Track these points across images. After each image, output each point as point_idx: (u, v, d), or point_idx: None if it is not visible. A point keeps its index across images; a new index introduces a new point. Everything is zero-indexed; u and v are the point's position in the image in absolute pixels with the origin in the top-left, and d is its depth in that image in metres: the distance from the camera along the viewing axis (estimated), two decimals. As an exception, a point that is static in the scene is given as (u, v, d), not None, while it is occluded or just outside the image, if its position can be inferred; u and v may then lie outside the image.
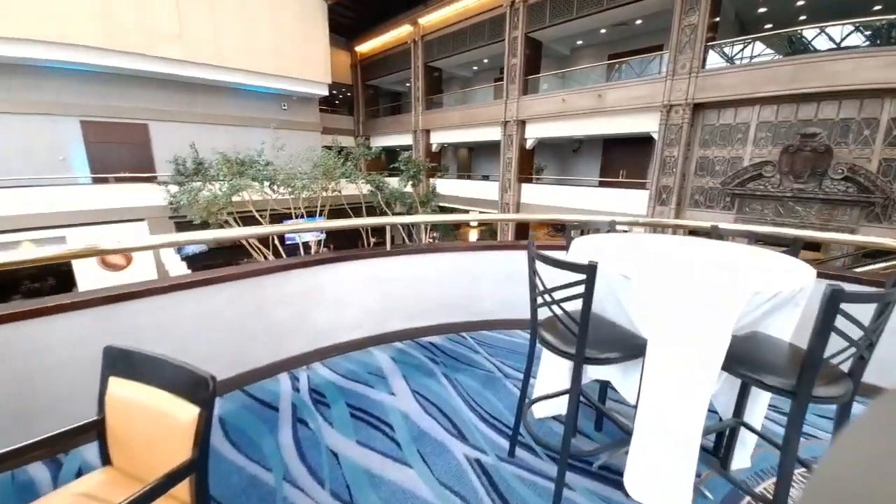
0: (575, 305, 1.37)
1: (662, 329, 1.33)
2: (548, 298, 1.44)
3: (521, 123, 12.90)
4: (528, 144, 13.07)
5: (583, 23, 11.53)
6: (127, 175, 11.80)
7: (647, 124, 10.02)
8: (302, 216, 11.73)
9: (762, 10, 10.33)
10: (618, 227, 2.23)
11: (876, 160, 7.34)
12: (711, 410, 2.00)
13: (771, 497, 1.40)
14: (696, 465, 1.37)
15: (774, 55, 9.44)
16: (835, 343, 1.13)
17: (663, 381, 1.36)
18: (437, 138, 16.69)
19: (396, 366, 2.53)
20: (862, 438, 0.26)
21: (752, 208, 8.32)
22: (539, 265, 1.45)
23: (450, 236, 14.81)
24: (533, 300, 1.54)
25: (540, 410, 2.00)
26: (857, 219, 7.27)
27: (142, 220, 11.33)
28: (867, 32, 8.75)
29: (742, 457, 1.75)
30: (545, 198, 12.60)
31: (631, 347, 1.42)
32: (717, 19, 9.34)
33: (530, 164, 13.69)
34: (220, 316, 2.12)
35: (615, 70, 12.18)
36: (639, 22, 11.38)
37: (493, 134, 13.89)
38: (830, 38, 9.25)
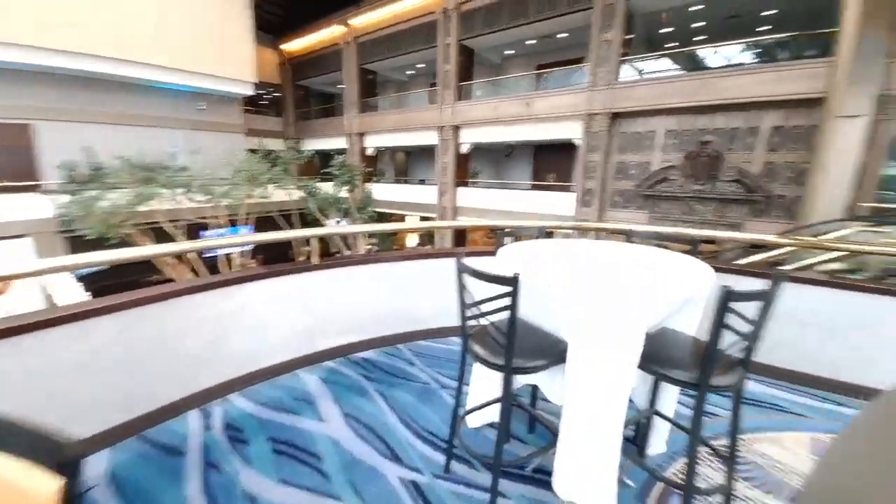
0: (503, 314, 1.38)
1: (583, 333, 1.38)
2: (476, 311, 1.43)
3: (456, 128, 13.14)
4: (464, 149, 13.34)
5: (512, 33, 12.05)
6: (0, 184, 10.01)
7: (572, 131, 10.72)
8: (223, 226, 10.80)
9: (667, 29, 11.56)
10: (553, 231, 2.31)
11: (758, 164, 8.54)
12: (629, 401, 2.15)
13: (684, 477, 1.52)
14: (619, 457, 1.44)
15: (679, 70, 10.62)
16: (729, 335, 1.24)
17: (585, 382, 1.41)
18: (373, 142, 16.42)
19: (326, 388, 2.38)
20: (857, 441, 0.25)
21: (662, 208, 9.26)
22: (468, 277, 1.44)
23: (387, 242, 14.60)
24: (462, 312, 1.52)
25: (474, 420, 1.99)
26: (744, 215, 8.41)
27: (24, 236, 9.66)
28: (756, 51, 10.18)
29: (658, 443, 1.88)
30: (481, 201, 12.93)
31: (556, 353, 1.46)
32: (631, 36, 10.29)
33: (466, 169, 13.98)
34: (108, 353, 1.82)
35: (543, 80, 12.89)
36: (563, 35, 12.16)
37: (429, 138, 13.98)
38: (724, 57, 10.61)
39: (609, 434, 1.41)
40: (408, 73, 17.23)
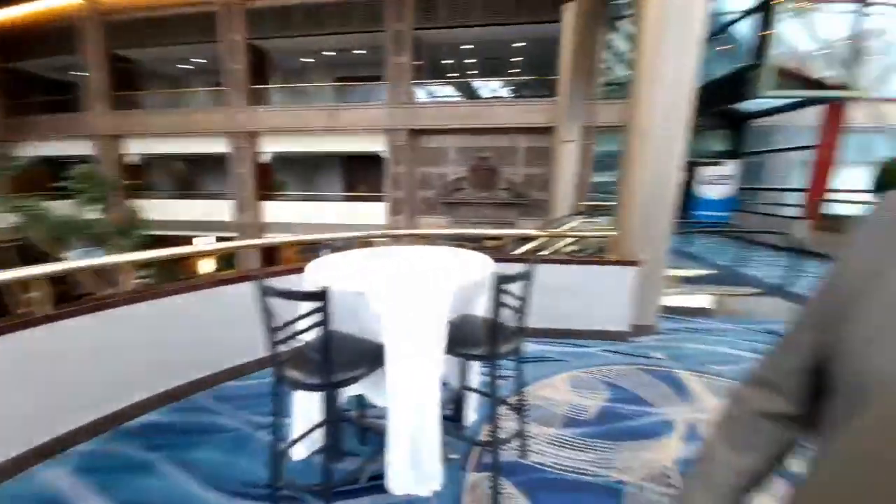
0: (316, 330, 1.33)
1: (396, 331, 1.48)
2: (285, 334, 1.34)
3: (253, 136, 11.85)
4: (265, 159, 12.16)
5: (309, 42, 11.69)
6: None
7: (377, 145, 11.24)
8: None
9: (448, 60, 13.44)
10: (372, 240, 2.35)
11: (521, 175, 10.93)
12: (445, 383, 2.42)
13: (492, 436, 1.82)
14: (440, 439, 1.59)
15: (460, 97, 12.52)
16: (507, 311, 1.55)
17: (403, 376, 1.51)
18: (138, 147, 13.08)
19: (86, 481, 1.76)
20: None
21: (460, 212, 10.80)
22: (273, 299, 1.33)
23: (167, 273, 11.65)
24: (270, 338, 1.39)
25: (302, 450, 1.85)
26: (516, 216, 10.65)
27: None
28: (512, 87, 12.90)
29: (472, 413, 2.18)
30: (291, 215, 12.08)
31: (375, 357, 1.51)
32: (421, 62, 11.52)
33: (270, 181, 12.78)
34: None
35: (349, 92, 12.99)
36: (361, 52, 12.56)
37: (218, 145, 12.11)
38: (490, 89, 13.09)
39: (429, 418, 1.55)
40: (182, 66, 14.45)
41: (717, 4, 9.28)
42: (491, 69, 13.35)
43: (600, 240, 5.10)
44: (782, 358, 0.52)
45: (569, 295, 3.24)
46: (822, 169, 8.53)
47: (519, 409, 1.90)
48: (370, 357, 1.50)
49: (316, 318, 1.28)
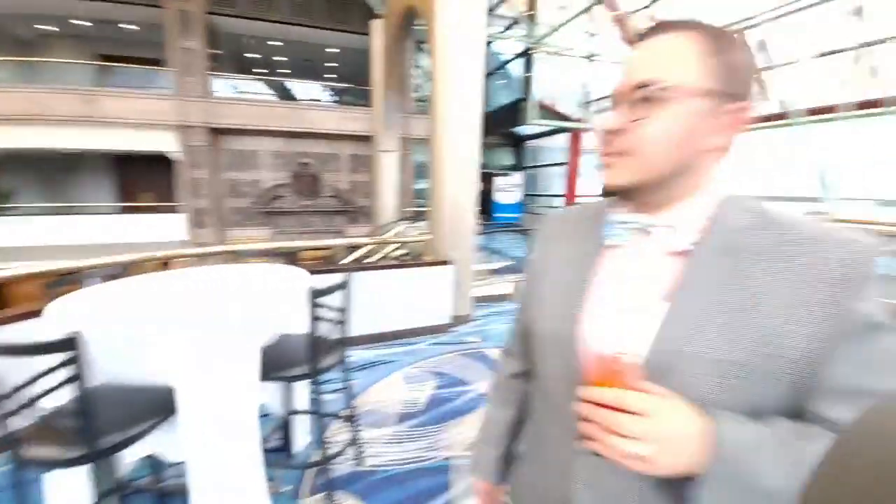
0: (68, 388, 1.03)
1: (191, 371, 1.28)
2: (19, 402, 0.99)
3: (-61, 122, 8.03)
4: (-32, 156, 8.39)
5: (48, 4, 8.61)
6: None
7: (165, 143, 9.24)
8: None
9: (255, 55, 12.11)
10: (168, 261, 1.90)
11: (346, 182, 10.82)
12: (266, 413, 2.23)
13: (332, 454, 1.77)
14: (263, 478, 1.46)
15: (274, 97, 11.46)
16: (326, 324, 1.54)
17: (205, 420, 1.32)
18: None
19: None
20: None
21: (281, 223, 9.94)
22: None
23: None
24: (-16, 412, 1.01)
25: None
26: (344, 223, 10.50)
27: None
28: (330, 93, 12.53)
29: (303, 436, 2.08)
30: (29, 237, 8.73)
31: (162, 405, 1.27)
32: (218, 52, 10.00)
33: (-18, 187, 8.91)
34: None
35: (113, 75, 10.12)
36: (131, 27, 10.03)
37: None
38: (307, 92, 12.43)
39: (245, 461, 1.40)
40: None
41: (497, 46, 11.35)
42: (307, 71, 12.76)
43: (419, 243, 5.53)
44: (513, 330, 0.72)
45: (394, 298, 3.43)
46: (572, 180, 11.49)
47: (350, 418, 1.91)
48: (155, 407, 1.26)
49: (66, 372, 1.00)
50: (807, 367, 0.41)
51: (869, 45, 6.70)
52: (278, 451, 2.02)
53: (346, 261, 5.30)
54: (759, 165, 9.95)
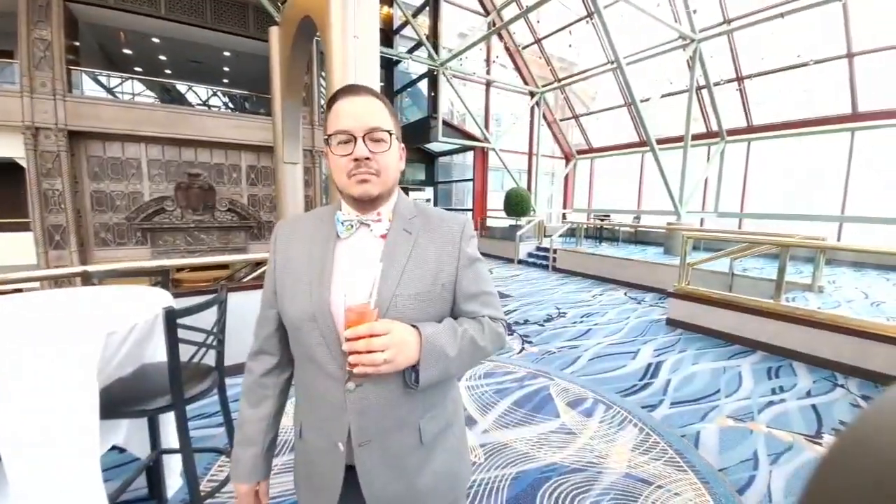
0: None
1: (9, 416, 1.07)
2: None
3: None
4: None
5: None
6: None
7: (7, 148, 7.59)
8: None
9: (128, 51, 10.63)
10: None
11: (245, 195, 9.98)
12: (129, 462, 1.94)
13: (206, 492, 1.58)
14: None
15: (155, 99, 10.13)
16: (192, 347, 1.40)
17: (32, 473, 1.11)
18: None
19: None
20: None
21: (165, 240, 8.74)
22: None
23: None
24: None
25: None
26: (245, 239, 9.63)
27: None
28: (225, 99, 11.49)
29: (174, 480, 1.83)
30: None
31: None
32: (77, 43, 8.57)
33: None
34: None
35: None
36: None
37: None
38: (198, 97, 11.27)
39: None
40: None
41: (405, 65, 11.65)
42: (197, 75, 11.61)
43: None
44: (261, 331, 0.79)
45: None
46: (480, 195, 12.13)
47: (229, 452, 1.74)
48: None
49: None
50: (453, 285, 0.74)
51: (700, 88, 8.34)
52: (145, 500, 1.75)
53: (248, 279, 4.85)
54: (631, 185, 11.59)
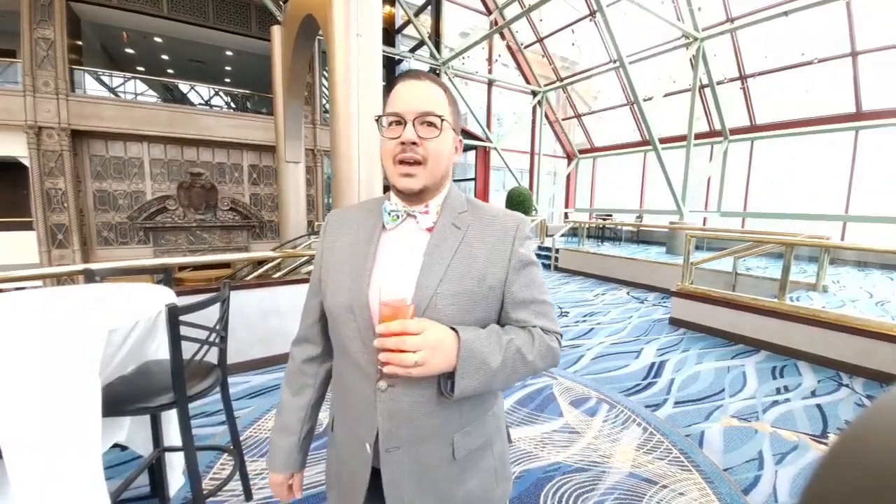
0: None
1: (10, 414, 1.06)
2: None
3: None
4: None
5: None
6: None
7: (10, 147, 7.62)
8: None
9: (130, 50, 10.66)
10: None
11: (247, 195, 9.99)
12: (132, 459, 1.94)
13: (208, 490, 1.58)
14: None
15: (157, 98, 10.15)
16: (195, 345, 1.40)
17: (33, 471, 1.10)
18: None
19: None
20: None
21: (167, 239, 8.76)
22: None
23: None
24: None
25: None
26: (247, 238, 9.64)
27: None
28: (227, 98, 11.50)
29: (176, 478, 1.83)
30: None
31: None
32: (80, 43, 8.59)
33: None
34: None
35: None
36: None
37: None
38: (200, 96, 11.28)
39: (88, 508, 1.19)
40: None
41: (407, 64, 11.64)
42: (199, 74, 11.62)
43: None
44: (306, 318, 0.78)
45: (298, 316, 3.23)
46: (481, 194, 12.11)
47: (232, 449, 1.74)
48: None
49: None
50: (502, 288, 0.68)
51: (703, 86, 8.30)
52: (148, 499, 1.75)
53: (249, 278, 4.86)
54: (635, 183, 11.55)
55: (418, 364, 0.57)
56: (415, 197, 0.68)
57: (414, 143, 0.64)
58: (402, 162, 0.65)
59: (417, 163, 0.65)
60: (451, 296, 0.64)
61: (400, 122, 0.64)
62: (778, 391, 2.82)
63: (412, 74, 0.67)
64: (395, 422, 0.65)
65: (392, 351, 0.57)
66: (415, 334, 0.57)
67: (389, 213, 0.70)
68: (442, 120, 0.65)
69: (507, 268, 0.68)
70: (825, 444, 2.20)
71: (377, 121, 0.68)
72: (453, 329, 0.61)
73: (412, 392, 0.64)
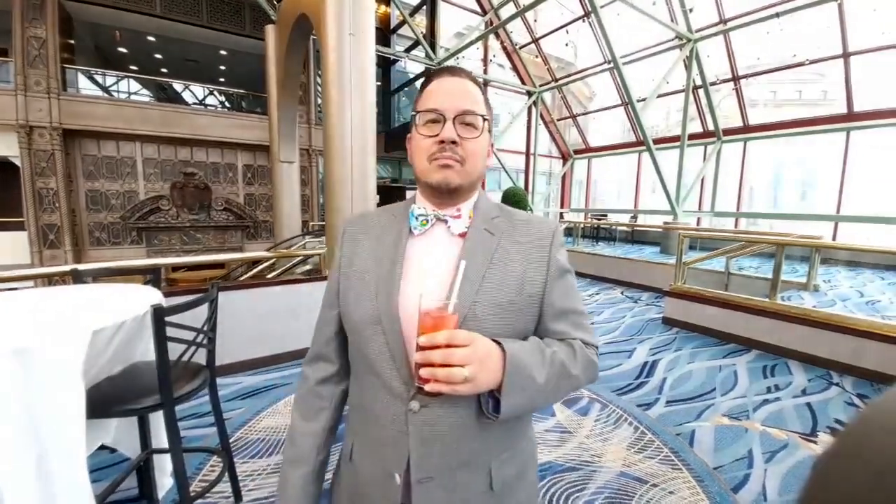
0: None
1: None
2: None
3: None
4: None
5: None
6: None
7: (1, 146, 7.54)
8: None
9: (123, 49, 10.58)
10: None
11: (242, 195, 9.94)
12: (120, 462, 1.92)
13: (196, 492, 1.57)
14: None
15: (150, 98, 10.07)
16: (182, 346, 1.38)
17: (17, 473, 1.09)
18: None
19: None
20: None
21: (160, 240, 8.70)
22: None
23: None
24: None
25: None
26: (241, 239, 9.60)
27: None
28: (221, 98, 11.43)
29: (165, 481, 1.81)
30: None
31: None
32: (72, 42, 8.52)
33: None
34: None
35: None
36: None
37: None
38: (194, 95, 11.21)
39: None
40: None
41: (402, 64, 11.63)
42: (193, 73, 11.55)
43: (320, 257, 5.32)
44: (321, 334, 0.71)
45: (289, 316, 3.23)
46: (478, 194, 12.11)
47: (221, 451, 1.73)
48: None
49: None
50: (540, 298, 0.63)
51: (697, 87, 8.35)
52: (135, 501, 1.74)
53: (243, 278, 4.83)
54: (629, 183, 11.59)
55: (467, 380, 0.50)
56: (447, 198, 0.63)
57: (454, 143, 0.59)
58: (437, 159, 0.61)
59: (456, 163, 0.61)
60: (491, 305, 0.59)
61: (438, 120, 0.60)
62: (768, 390, 2.85)
63: (452, 71, 0.63)
64: (428, 448, 0.58)
65: (436, 366, 0.50)
66: (463, 346, 0.51)
67: (417, 218, 0.64)
68: (484, 119, 0.62)
69: (546, 275, 0.63)
70: (815, 442, 2.22)
71: (412, 118, 0.64)
72: (495, 341, 0.56)
73: (449, 413, 0.58)
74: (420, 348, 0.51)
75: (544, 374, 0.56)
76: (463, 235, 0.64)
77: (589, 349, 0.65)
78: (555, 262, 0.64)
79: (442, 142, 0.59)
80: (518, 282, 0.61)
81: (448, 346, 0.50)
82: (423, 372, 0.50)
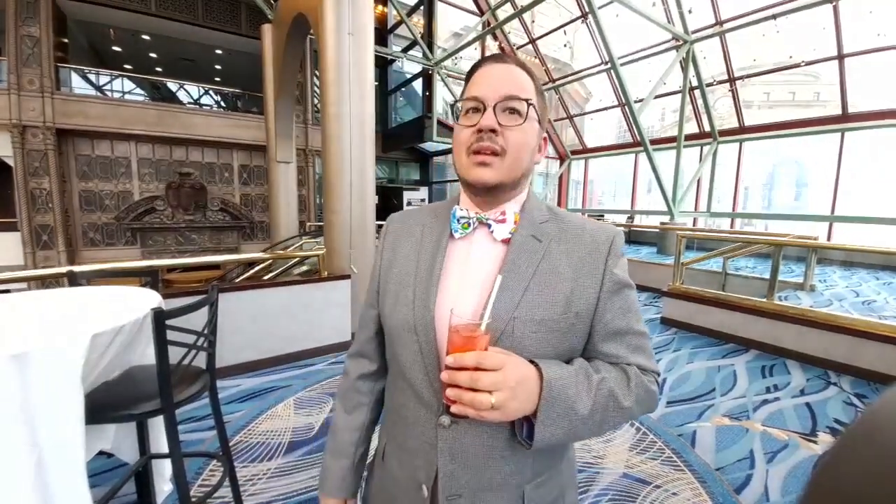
0: None
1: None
2: None
3: None
4: None
5: None
6: None
7: (-6, 146, 7.45)
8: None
9: (117, 48, 10.48)
10: None
11: (238, 195, 9.87)
12: (118, 467, 1.89)
13: (197, 498, 1.54)
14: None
15: (145, 97, 9.99)
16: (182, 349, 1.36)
17: (14, 480, 1.07)
18: None
19: None
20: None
21: (155, 240, 8.62)
22: None
23: None
24: None
25: None
26: (237, 239, 9.53)
27: None
28: (217, 97, 11.35)
29: (165, 486, 1.79)
30: None
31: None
32: (66, 40, 8.42)
33: None
34: None
35: None
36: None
37: None
38: (189, 95, 11.13)
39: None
40: None
41: (400, 64, 11.62)
42: (188, 73, 11.46)
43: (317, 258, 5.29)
44: (362, 332, 0.71)
45: (288, 317, 3.20)
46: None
47: (221, 455, 1.71)
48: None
49: None
50: (591, 316, 0.56)
51: (693, 88, 8.40)
52: (132, 507, 1.71)
53: (240, 280, 4.80)
54: (626, 184, 11.64)
55: (495, 407, 0.46)
56: (488, 197, 0.59)
57: (493, 131, 0.54)
58: (476, 152, 0.55)
59: (494, 153, 0.55)
60: (531, 322, 0.53)
61: (478, 108, 0.55)
62: (768, 390, 2.86)
63: (496, 58, 0.58)
64: (458, 464, 0.55)
65: (463, 389, 0.46)
66: (492, 371, 0.46)
67: (459, 220, 0.60)
68: (529, 105, 0.55)
69: (599, 291, 0.56)
70: (815, 442, 2.23)
71: (451, 108, 0.60)
72: (533, 363, 0.50)
73: (479, 432, 0.55)
74: (447, 368, 0.47)
75: (588, 404, 0.50)
76: (507, 241, 0.58)
77: (647, 376, 0.58)
78: (610, 275, 0.57)
79: (480, 130, 0.54)
80: (565, 297, 0.55)
81: (477, 369, 0.46)
82: (450, 392, 0.47)
